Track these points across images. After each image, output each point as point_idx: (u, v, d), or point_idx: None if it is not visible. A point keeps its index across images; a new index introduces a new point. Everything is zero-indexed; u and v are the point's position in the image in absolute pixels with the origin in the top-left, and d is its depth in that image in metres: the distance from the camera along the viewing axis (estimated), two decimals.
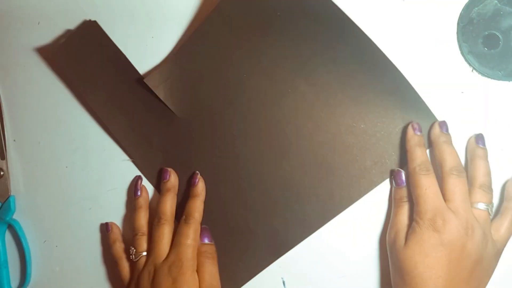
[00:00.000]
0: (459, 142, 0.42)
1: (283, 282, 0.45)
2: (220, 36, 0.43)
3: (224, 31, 0.43)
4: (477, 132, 0.41)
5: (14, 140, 0.50)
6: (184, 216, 0.43)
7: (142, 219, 0.45)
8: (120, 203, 0.48)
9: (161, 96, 0.44)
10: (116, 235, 0.46)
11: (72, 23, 0.48)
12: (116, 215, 0.48)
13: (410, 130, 0.40)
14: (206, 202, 0.44)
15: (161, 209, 0.44)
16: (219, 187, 0.45)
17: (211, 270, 0.42)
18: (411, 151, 0.40)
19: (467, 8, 0.41)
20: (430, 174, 0.38)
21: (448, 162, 0.39)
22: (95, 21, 0.46)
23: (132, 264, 0.44)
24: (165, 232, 0.43)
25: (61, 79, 0.48)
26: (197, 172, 0.45)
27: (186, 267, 0.41)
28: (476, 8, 0.41)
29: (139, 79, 0.45)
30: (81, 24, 0.47)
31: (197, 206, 0.43)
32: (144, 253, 0.43)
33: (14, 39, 0.50)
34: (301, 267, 0.44)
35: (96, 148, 0.48)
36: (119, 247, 0.46)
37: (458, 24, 0.42)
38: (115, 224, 0.47)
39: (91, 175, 0.48)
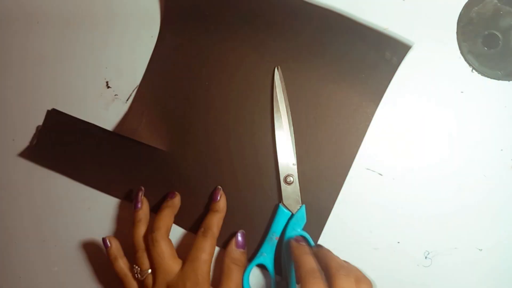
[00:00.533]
0: (458, 141, 0.42)
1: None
2: (171, 60, 0.45)
3: (173, 55, 0.45)
4: (477, 134, 0.42)
5: (13, 140, 0.50)
6: (202, 229, 0.42)
7: (141, 234, 0.43)
8: (119, 203, 0.48)
9: (143, 139, 0.45)
10: (117, 250, 0.44)
11: (72, 23, 0.48)
12: (115, 215, 0.48)
13: (293, 242, 0.41)
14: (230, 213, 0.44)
15: (156, 224, 0.42)
16: (236, 197, 0.44)
17: (236, 277, 0.42)
18: (297, 260, 0.39)
19: (466, 8, 0.41)
20: (317, 280, 0.36)
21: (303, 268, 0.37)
22: (54, 109, 0.48)
23: (139, 282, 0.43)
24: (163, 249, 0.41)
25: (53, 171, 0.48)
26: (219, 187, 0.44)
27: (203, 283, 0.40)
28: (476, 8, 0.41)
29: (117, 134, 0.46)
30: (45, 117, 0.48)
31: (217, 221, 0.43)
32: (150, 271, 0.42)
33: (14, 39, 0.50)
34: None
35: None
36: (122, 264, 0.44)
37: (457, 23, 0.42)
38: (113, 239, 0.44)
39: None
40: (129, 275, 0.43)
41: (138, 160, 0.46)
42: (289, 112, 0.43)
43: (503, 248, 0.42)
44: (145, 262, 0.42)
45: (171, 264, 0.41)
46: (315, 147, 0.43)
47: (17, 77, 0.50)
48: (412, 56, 0.42)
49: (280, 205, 0.43)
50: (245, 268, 0.43)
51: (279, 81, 0.43)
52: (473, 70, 0.42)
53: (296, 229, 0.42)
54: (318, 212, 0.43)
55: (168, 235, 0.43)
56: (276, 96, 0.43)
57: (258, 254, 0.43)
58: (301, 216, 0.42)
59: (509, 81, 0.41)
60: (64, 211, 0.49)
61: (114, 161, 0.46)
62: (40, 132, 0.48)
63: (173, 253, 0.42)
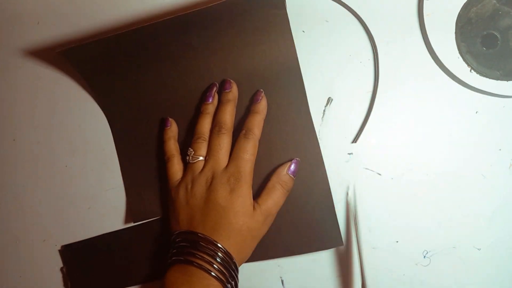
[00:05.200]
0: (457, 141, 0.42)
1: (282, 282, 0.45)
2: (131, 126, 0.47)
3: (130, 123, 0.47)
4: (476, 134, 0.42)
5: (14, 140, 0.50)
6: (244, 131, 0.43)
7: (207, 125, 0.44)
8: (119, 203, 0.48)
9: (157, 214, 0.46)
10: (173, 132, 0.46)
11: (72, 24, 0.48)
12: (115, 215, 0.48)
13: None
14: None
15: (222, 118, 0.43)
16: None
17: (277, 198, 0.42)
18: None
19: (465, 8, 0.41)
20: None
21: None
22: (64, 246, 0.48)
23: (187, 165, 0.44)
24: (225, 142, 0.43)
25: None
26: (261, 90, 0.44)
27: (244, 180, 0.41)
28: (475, 8, 0.41)
29: (131, 227, 0.47)
30: (61, 257, 0.48)
31: (258, 123, 0.43)
32: (201, 158, 0.43)
33: (14, 39, 0.50)
34: (300, 266, 0.44)
35: (95, 148, 0.48)
36: (173, 145, 0.45)
37: (456, 24, 0.42)
38: (174, 122, 0.46)
39: (90, 174, 0.48)
40: (177, 156, 0.45)
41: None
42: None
43: (501, 248, 0.42)
44: (202, 149, 0.43)
45: (224, 158, 0.42)
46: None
47: (17, 77, 0.50)
48: (411, 56, 0.42)
49: None
50: (288, 193, 0.43)
51: None
52: (472, 70, 0.42)
53: None
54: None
55: (232, 131, 0.44)
56: None
57: None
58: None
59: (507, 81, 0.41)
60: (64, 211, 0.49)
61: (142, 249, 0.47)
62: (66, 272, 0.48)
63: (229, 150, 0.43)
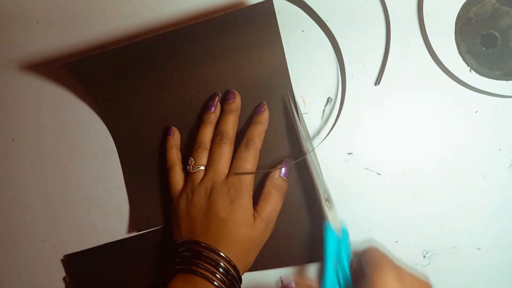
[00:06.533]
0: (457, 141, 0.42)
1: (282, 282, 0.45)
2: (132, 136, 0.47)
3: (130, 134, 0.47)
4: (476, 134, 0.42)
5: (13, 140, 0.50)
6: (245, 141, 0.43)
7: (208, 134, 0.44)
8: (119, 202, 0.48)
9: (160, 223, 0.46)
10: (176, 141, 0.46)
11: (71, 24, 0.48)
12: (115, 215, 0.48)
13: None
14: None
15: (224, 128, 0.43)
16: None
17: (275, 203, 0.42)
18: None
19: (465, 8, 0.41)
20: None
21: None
22: (66, 255, 0.48)
23: (187, 175, 0.44)
24: (226, 151, 0.42)
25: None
26: (264, 102, 0.44)
27: (245, 191, 0.41)
28: (474, 8, 0.41)
29: (135, 237, 0.47)
30: (64, 266, 0.48)
31: (259, 133, 0.43)
32: (202, 167, 0.43)
33: (13, 38, 0.50)
34: (299, 267, 0.44)
35: (95, 148, 0.48)
36: (175, 154, 0.45)
37: (456, 23, 0.42)
38: (177, 131, 0.46)
39: (90, 174, 0.48)
40: (178, 165, 0.45)
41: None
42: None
43: (501, 248, 0.42)
44: (203, 158, 0.43)
45: (225, 167, 0.42)
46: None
47: (17, 77, 0.50)
48: (411, 55, 0.42)
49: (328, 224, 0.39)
50: (284, 196, 0.42)
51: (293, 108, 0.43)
52: (472, 70, 0.42)
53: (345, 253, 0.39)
54: None
55: (234, 141, 0.44)
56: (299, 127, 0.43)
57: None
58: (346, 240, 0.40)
59: (507, 80, 0.41)
60: (64, 211, 0.49)
61: (143, 257, 0.47)
62: (69, 281, 0.48)
63: (230, 160, 0.43)
